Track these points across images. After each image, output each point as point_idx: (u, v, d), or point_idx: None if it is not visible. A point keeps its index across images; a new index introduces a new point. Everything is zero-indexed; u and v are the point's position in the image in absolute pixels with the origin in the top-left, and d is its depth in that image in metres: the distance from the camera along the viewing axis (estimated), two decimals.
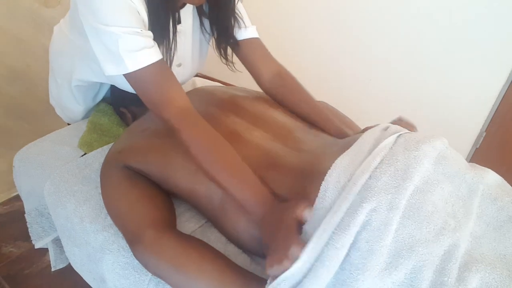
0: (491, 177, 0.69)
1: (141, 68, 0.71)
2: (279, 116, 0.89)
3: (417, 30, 1.79)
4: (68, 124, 1.29)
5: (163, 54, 0.77)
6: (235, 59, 0.98)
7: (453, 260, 0.55)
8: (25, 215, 1.04)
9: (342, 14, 1.99)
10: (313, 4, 2.06)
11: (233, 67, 0.96)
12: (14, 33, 1.46)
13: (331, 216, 0.58)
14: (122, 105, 1.07)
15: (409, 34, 1.82)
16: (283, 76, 0.98)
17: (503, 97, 1.70)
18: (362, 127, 0.95)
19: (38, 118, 1.30)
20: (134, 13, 0.71)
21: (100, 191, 0.89)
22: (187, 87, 1.42)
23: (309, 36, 2.18)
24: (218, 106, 0.88)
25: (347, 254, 0.55)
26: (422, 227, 0.57)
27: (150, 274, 0.73)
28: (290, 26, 2.23)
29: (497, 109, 1.74)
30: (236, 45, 0.94)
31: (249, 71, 0.97)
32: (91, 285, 0.91)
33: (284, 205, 0.63)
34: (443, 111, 1.89)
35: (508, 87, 1.67)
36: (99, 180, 0.92)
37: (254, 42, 0.97)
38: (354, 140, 0.72)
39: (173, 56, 0.82)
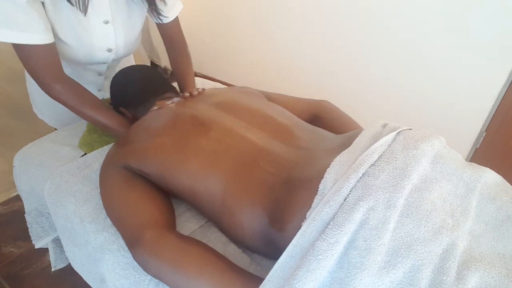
0: (490, 176, 0.69)
1: (19, 44, 0.84)
2: (278, 115, 0.89)
3: (417, 30, 1.79)
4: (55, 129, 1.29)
5: (75, 2, 0.87)
6: None
7: (452, 259, 0.55)
8: (25, 215, 1.04)
9: (342, 14, 1.99)
10: (313, 4, 2.06)
11: (163, 21, 1.12)
12: None
13: (322, 206, 0.59)
14: (122, 105, 1.07)
15: (409, 34, 1.82)
16: (175, 44, 1.20)
17: (503, 97, 1.71)
18: (362, 127, 0.95)
19: (38, 118, 1.30)
20: None
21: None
22: None
23: (309, 36, 2.18)
24: (216, 106, 0.89)
25: (345, 253, 0.56)
26: (420, 225, 0.57)
27: None
28: (290, 26, 2.23)
29: (497, 109, 1.74)
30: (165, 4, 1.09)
31: (162, 37, 1.20)
32: (91, 285, 0.91)
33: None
34: (443, 111, 1.89)
35: (508, 87, 1.67)
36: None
37: (176, 21, 1.16)
38: (353, 137, 0.72)
39: (87, 3, 0.89)
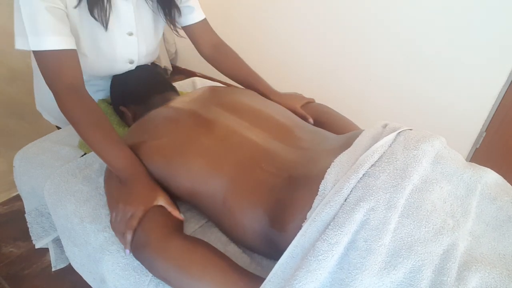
0: (490, 176, 0.69)
1: (44, 51, 0.79)
2: (279, 115, 0.89)
3: (417, 30, 1.79)
4: (57, 127, 1.29)
5: (98, 16, 0.86)
6: None
7: (452, 260, 0.55)
8: (25, 215, 1.04)
9: (343, 14, 1.99)
10: (313, 4, 2.06)
11: (178, 33, 1.08)
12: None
13: (322, 207, 0.59)
14: (122, 104, 1.07)
15: (409, 34, 1.82)
16: (218, 46, 1.13)
17: (503, 97, 1.71)
18: (362, 127, 0.95)
19: (38, 118, 1.30)
20: None
21: (100, 192, 0.89)
22: (187, 87, 1.42)
23: (309, 36, 2.18)
24: (218, 106, 0.89)
25: (345, 253, 0.56)
26: (421, 226, 0.57)
27: (150, 275, 0.73)
28: (290, 26, 2.23)
29: (497, 109, 1.75)
30: (180, 15, 1.05)
31: (191, 41, 1.13)
32: (91, 285, 0.91)
33: (151, 186, 0.78)
34: (443, 111, 1.89)
35: (508, 87, 1.68)
36: (99, 180, 0.93)
37: (201, 23, 1.10)
38: (354, 138, 0.72)
39: (108, 17, 0.88)
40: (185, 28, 1.10)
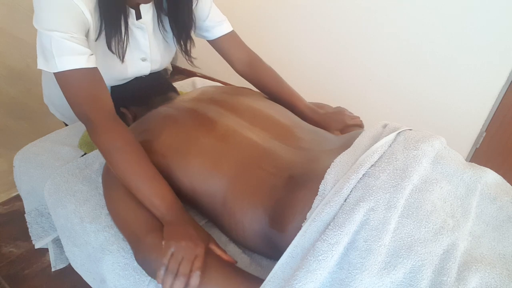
0: (490, 176, 0.69)
1: (69, 70, 0.73)
2: (279, 115, 0.89)
3: (418, 30, 1.79)
4: (66, 124, 1.29)
5: (115, 48, 0.83)
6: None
7: (452, 260, 0.55)
8: (25, 215, 1.04)
9: (343, 15, 1.99)
10: (314, 4, 2.06)
11: (193, 63, 1.02)
12: (14, 33, 1.46)
13: (322, 207, 0.59)
14: (122, 105, 1.07)
15: (410, 34, 1.82)
16: (254, 62, 1.08)
17: (503, 97, 1.71)
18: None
19: (38, 118, 1.30)
20: (75, 16, 0.74)
21: (100, 192, 0.89)
22: (186, 87, 1.42)
23: (309, 36, 2.18)
24: (218, 105, 0.89)
25: (345, 253, 0.56)
26: (421, 226, 0.57)
27: None
28: (291, 26, 2.23)
29: (497, 109, 1.75)
30: (194, 46, 1.02)
31: (223, 57, 1.08)
32: (91, 285, 0.91)
33: (199, 226, 0.72)
34: (443, 111, 1.89)
35: (508, 87, 1.67)
36: (99, 180, 0.93)
37: (227, 36, 1.05)
38: (354, 138, 0.72)
39: (125, 49, 0.86)
40: (213, 43, 1.06)
